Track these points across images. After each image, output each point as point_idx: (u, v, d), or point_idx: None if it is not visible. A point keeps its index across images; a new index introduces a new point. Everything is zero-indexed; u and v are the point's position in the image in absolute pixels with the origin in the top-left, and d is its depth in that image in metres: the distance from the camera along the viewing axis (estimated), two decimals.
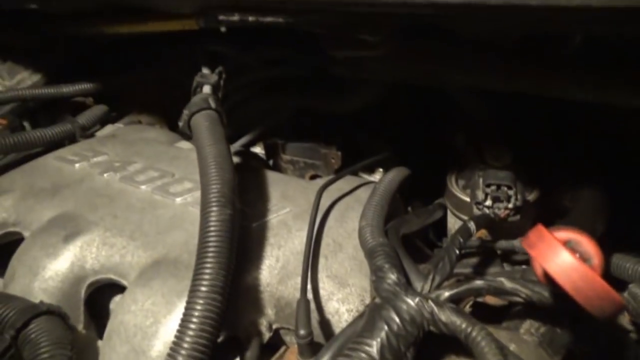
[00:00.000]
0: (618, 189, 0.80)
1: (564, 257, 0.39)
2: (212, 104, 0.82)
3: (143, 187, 0.83)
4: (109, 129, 1.14)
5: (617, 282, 0.61)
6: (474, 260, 0.73)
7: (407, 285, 0.53)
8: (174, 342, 0.51)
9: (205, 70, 0.91)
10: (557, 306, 0.49)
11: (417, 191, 0.92)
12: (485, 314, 0.57)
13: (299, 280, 0.61)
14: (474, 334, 0.45)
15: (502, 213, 0.70)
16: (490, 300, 0.60)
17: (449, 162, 0.87)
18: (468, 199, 0.76)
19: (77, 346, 0.60)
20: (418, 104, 1.14)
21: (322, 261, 0.67)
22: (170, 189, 0.82)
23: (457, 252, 0.57)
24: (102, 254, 0.71)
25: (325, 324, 0.62)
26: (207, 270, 0.55)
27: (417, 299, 0.49)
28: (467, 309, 0.61)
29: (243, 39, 1.01)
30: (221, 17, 0.75)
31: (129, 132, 1.09)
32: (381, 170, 1.01)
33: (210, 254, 0.56)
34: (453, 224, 0.84)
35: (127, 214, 0.77)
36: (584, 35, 0.71)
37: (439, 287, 0.53)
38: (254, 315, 0.63)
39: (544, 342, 0.52)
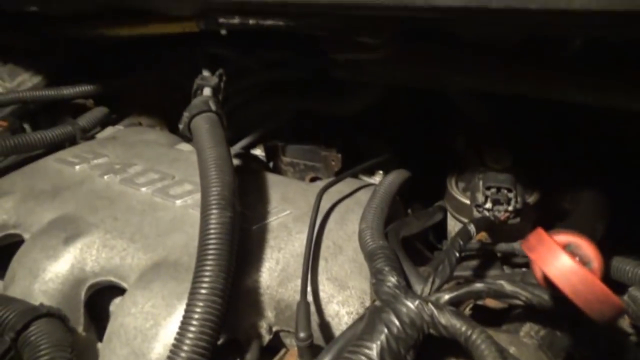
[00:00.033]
0: (618, 191, 0.80)
1: (563, 260, 0.39)
2: (213, 107, 0.82)
3: (143, 189, 0.83)
4: (109, 131, 1.14)
5: (617, 285, 0.61)
6: (474, 262, 0.73)
7: (407, 288, 0.53)
8: (173, 345, 0.51)
9: (205, 73, 0.92)
10: (557, 309, 0.49)
11: (417, 193, 0.92)
12: (485, 317, 0.57)
13: (299, 282, 0.61)
14: (473, 336, 0.45)
15: (502, 216, 0.70)
16: (490, 303, 0.60)
17: (449, 164, 0.87)
18: (468, 202, 0.77)
19: (77, 348, 0.60)
20: (418, 106, 1.14)
21: (322, 264, 0.67)
22: (170, 191, 0.82)
23: (457, 254, 0.57)
24: (102, 256, 0.71)
25: (325, 326, 0.62)
26: (207, 273, 0.55)
27: (417, 302, 0.49)
28: (467, 311, 0.61)
29: (244, 42, 1.01)
30: (221, 20, 0.75)
31: (130, 134, 1.09)
32: (381, 172, 1.01)
33: (210, 257, 0.56)
34: (453, 226, 0.84)
35: (127, 216, 0.77)
36: (584, 38, 0.71)
37: (439, 289, 0.53)
38: (254, 317, 0.63)
39: (543, 345, 0.52)
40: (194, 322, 0.51)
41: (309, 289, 0.62)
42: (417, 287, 0.55)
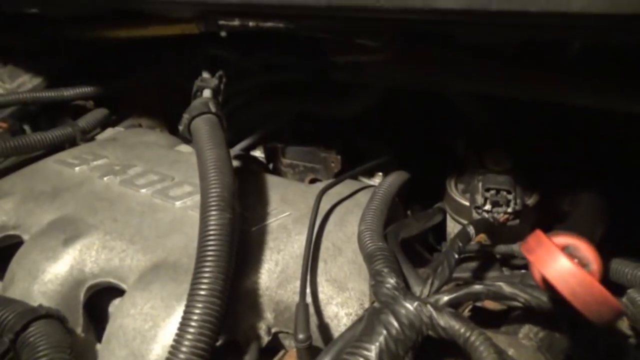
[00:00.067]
0: (618, 192, 0.80)
1: (562, 262, 0.39)
2: (212, 108, 0.82)
3: (143, 190, 0.83)
4: (109, 132, 1.14)
5: (616, 287, 0.61)
6: (473, 264, 0.73)
7: (405, 290, 0.53)
8: (172, 346, 0.51)
9: (205, 75, 0.92)
10: (556, 311, 0.49)
11: (417, 195, 0.92)
12: (484, 319, 0.57)
13: (298, 284, 0.61)
14: (472, 338, 0.45)
15: (501, 217, 0.70)
16: (489, 304, 0.60)
17: (449, 166, 0.88)
18: (467, 203, 0.77)
19: (75, 349, 0.60)
20: (418, 108, 1.14)
21: (321, 265, 0.67)
22: (170, 193, 0.82)
23: (456, 256, 0.57)
24: (102, 257, 0.71)
25: (324, 328, 0.62)
26: (206, 274, 0.55)
27: (415, 304, 0.49)
28: (466, 313, 0.61)
29: (244, 44, 1.01)
30: (221, 22, 0.75)
31: (129, 136, 1.09)
32: (381, 174, 1.01)
33: (209, 258, 0.56)
34: (452, 228, 0.84)
35: (126, 218, 0.77)
36: (584, 42, 0.71)
37: (437, 291, 0.53)
38: (253, 319, 0.63)
39: (542, 346, 0.52)
40: (193, 324, 0.51)
41: (308, 290, 0.62)
42: (416, 289, 0.55)
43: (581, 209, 0.77)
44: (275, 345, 0.64)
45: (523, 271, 0.70)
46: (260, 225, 0.74)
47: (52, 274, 0.69)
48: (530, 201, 0.77)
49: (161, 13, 0.91)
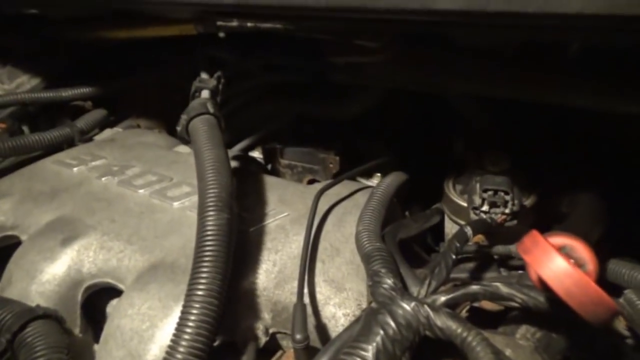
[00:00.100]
0: (617, 193, 0.80)
1: (557, 262, 0.39)
2: (211, 109, 0.82)
3: (141, 191, 0.83)
4: (107, 133, 1.14)
5: (614, 288, 0.61)
6: (471, 265, 0.73)
7: (403, 290, 0.53)
8: (169, 346, 0.51)
9: (204, 75, 0.92)
10: (553, 311, 0.49)
11: (416, 196, 0.92)
12: (481, 319, 0.57)
13: (295, 284, 0.61)
14: (469, 338, 0.45)
15: (499, 218, 0.70)
16: (487, 305, 0.60)
17: (448, 167, 0.88)
18: (465, 204, 0.77)
19: (73, 350, 0.60)
20: (417, 109, 1.14)
21: (319, 265, 0.67)
22: (168, 193, 0.82)
23: (454, 257, 0.57)
24: (100, 257, 0.71)
25: (321, 328, 0.62)
26: (204, 274, 0.55)
27: (413, 304, 0.49)
28: (464, 314, 0.61)
29: (243, 45, 1.01)
30: (219, 23, 0.75)
31: (128, 136, 1.09)
32: (379, 174, 1.01)
33: (206, 258, 0.56)
34: (450, 229, 0.84)
35: (124, 218, 0.77)
36: (583, 43, 0.71)
37: (435, 291, 0.53)
38: (251, 319, 0.63)
39: (539, 347, 0.52)
40: (190, 324, 0.51)
41: (305, 290, 0.62)
42: (414, 289, 0.55)
43: (579, 210, 0.77)
44: (273, 345, 0.64)
45: (520, 272, 0.70)
46: (258, 225, 0.74)
47: (49, 275, 0.69)
48: (528, 202, 0.77)
49: (160, 14, 0.91)
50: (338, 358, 0.47)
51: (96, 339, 0.68)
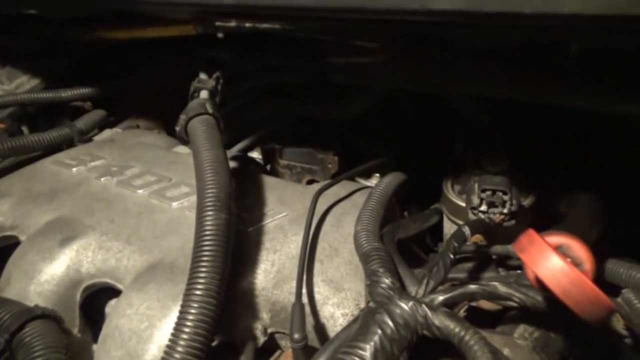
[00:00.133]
0: (616, 193, 0.80)
1: (553, 261, 0.39)
2: (209, 109, 0.82)
3: (140, 191, 0.83)
4: (107, 133, 1.14)
5: (612, 287, 0.61)
6: (469, 265, 0.73)
7: (401, 290, 0.53)
8: (167, 346, 0.51)
9: (202, 76, 0.92)
10: (551, 311, 0.49)
11: (415, 196, 0.92)
12: (479, 319, 0.57)
13: (294, 284, 0.61)
14: (467, 337, 0.45)
15: (497, 218, 0.70)
16: (485, 304, 0.61)
17: (447, 167, 0.87)
18: (464, 204, 0.77)
19: (72, 350, 0.60)
20: (417, 109, 1.14)
21: (317, 265, 0.67)
22: (167, 194, 0.82)
23: (452, 256, 0.57)
24: (98, 257, 0.71)
25: (320, 328, 0.62)
26: (202, 274, 0.55)
27: (410, 303, 0.49)
28: (462, 313, 0.61)
29: (242, 45, 1.01)
30: (218, 23, 0.75)
31: (127, 137, 1.09)
32: (378, 175, 1.01)
33: (205, 258, 0.56)
34: (449, 229, 0.84)
35: (123, 218, 0.77)
36: (583, 44, 0.71)
37: (433, 291, 0.53)
38: (249, 319, 0.63)
39: (537, 346, 0.52)
40: (188, 323, 0.51)
41: (304, 290, 0.62)
42: (412, 289, 0.55)
43: (577, 210, 0.77)
44: (272, 345, 0.64)
45: (519, 272, 0.70)
46: (256, 225, 0.74)
47: (48, 275, 0.69)
48: (526, 202, 0.77)
49: (159, 14, 0.91)
50: (336, 357, 0.47)
51: (95, 339, 0.68)
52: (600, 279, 0.61)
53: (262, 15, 0.72)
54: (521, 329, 0.54)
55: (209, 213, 0.60)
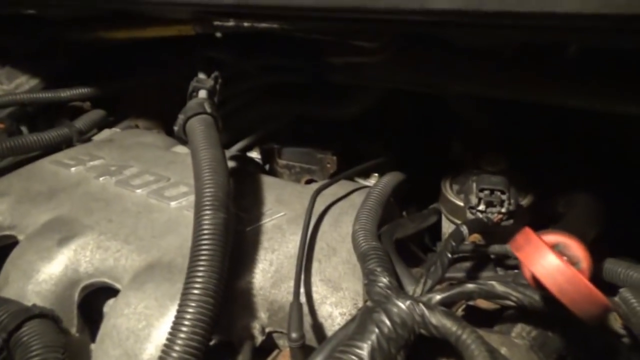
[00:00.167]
0: (615, 193, 0.80)
1: (549, 259, 0.39)
2: (208, 109, 0.82)
3: (138, 191, 0.83)
4: (106, 133, 1.14)
5: (610, 287, 0.61)
6: (467, 264, 0.73)
7: (398, 289, 0.53)
8: (165, 345, 0.51)
9: (201, 75, 0.92)
10: (548, 310, 0.49)
11: (415, 196, 0.92)
12: (477, 318, 0.57)
13: (292, 283, 0.61)
14: (464, 336, 0.45)
15: (495, 217, 0.70)
16: (482, 304, 0.61)
17: (446, 167, 0.87)
18: (462, 204, 0.77)
19: (69, 349, 0.60)
20: (416, 109, 1.14)
21: (315, 265, 0.67)
22: (165, 193, 0.82)
23: (450, 256, 0.57)
24: (96, 257, 0.71)
25: (318, 327, 0.62)
26: (200, 274, 0.55)
27: (408, 302, 0.49)
28: (460, 312, 0.61)
29: (241, 45, 1.01)
30: (216, 23, 0.75)
31: (126, 137, 1.09)
32: (376, 174, 1.01)
33: (203, 257, 0.56)
34: (447, 228, 0.84)
35: (122, 218, 0.77)
36: (583, 44, 0.71)
37: (430, 290, 0.53)
38: (247, 318, 0.63)
39: (535, 345, 0.52)
40: (186, 323, 0.51)
41: (302, 290, 0.62)
42: (409, 288, 0.55)
43: (576, 210, 0.77)
44: (270, 344, 0.64)
45: (516, 271, 0.70)
46: (255, 225, 0.74)
47: (46, 274, 0.69)
48: (524, 202, 0.77)
49: (157, 14, 0.91)
50: (334, 356, 0.47)
51: (93, 339, 0.68)
52: (598, 278, 0.61)
53: (260, 15, 0.72)
54: (519, 328, 0.54)
55: (207, 212, 0.60)
